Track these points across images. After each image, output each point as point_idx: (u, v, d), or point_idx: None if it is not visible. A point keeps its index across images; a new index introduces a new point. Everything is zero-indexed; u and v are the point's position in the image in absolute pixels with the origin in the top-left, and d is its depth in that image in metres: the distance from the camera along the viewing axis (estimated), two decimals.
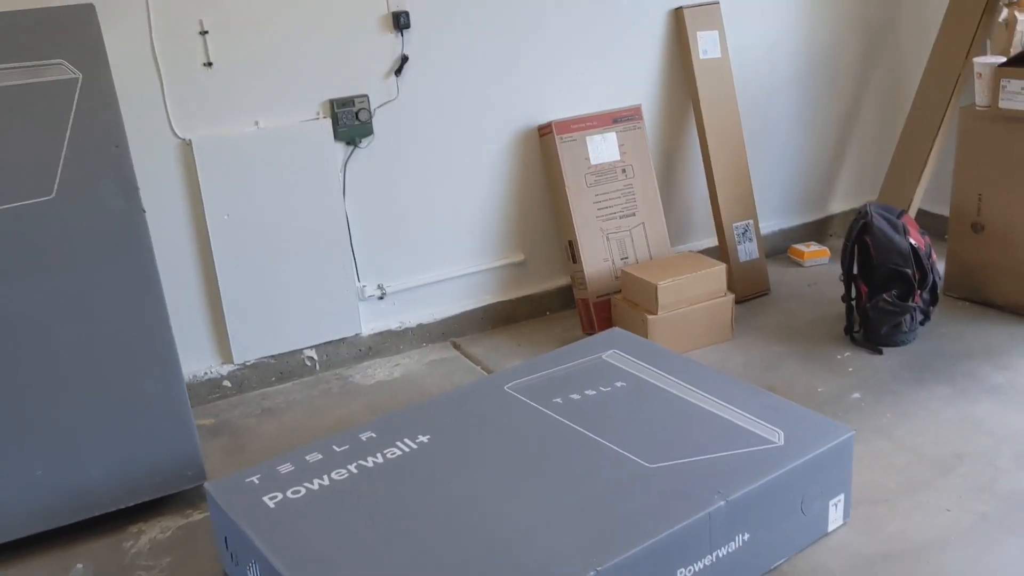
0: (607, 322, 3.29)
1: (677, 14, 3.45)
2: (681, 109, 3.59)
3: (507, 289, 3.50)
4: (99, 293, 2.39)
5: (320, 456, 2.24)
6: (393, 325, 3.32)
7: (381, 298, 3.27)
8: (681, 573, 1.93)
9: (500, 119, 3.29)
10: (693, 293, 3.13)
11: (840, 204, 4.15)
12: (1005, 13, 3.23)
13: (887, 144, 3.99)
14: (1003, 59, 3.18)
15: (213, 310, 3.00)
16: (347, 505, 2.06)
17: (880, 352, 3.07)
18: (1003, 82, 3.10)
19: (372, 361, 3.29)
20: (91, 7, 2.43)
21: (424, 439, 2.29)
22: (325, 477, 2.16)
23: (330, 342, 3.21)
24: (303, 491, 2.11)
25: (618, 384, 2.47)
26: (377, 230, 3.20)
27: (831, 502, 2.20)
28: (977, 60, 3.23)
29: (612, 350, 2.65)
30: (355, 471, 2.18)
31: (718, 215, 3.55)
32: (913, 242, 3.04)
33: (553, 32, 3.29)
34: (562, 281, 3.58)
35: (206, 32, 2.76)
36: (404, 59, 3.04)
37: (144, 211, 2.42)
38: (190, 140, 2.82)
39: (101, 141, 2.40)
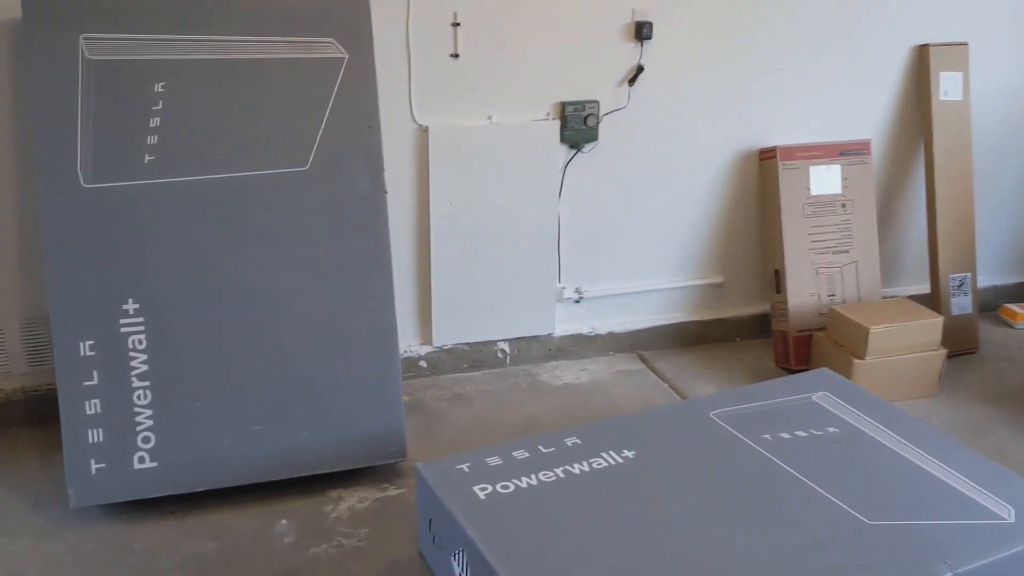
0: (805, 359, 3.20)
1: (921, 51, 3.31)
2: (910, 149, 3.45)
3: (701, 310, 3.46)
4: (335, 265, 2.49)
5: (527, 454, 2.26)
6: (585, 330, 3.33)
7: (577, 302, 3.28)
8: None
9: (722, 138, 3.25)
10: (904, 343, 3.01)
11: None
12: None
13: None
14: None
15: (421, 292, 3.09)
16: (554, 508, 2.08)
17: None
18: None
19: (559, 362, 3.32)
20: None
21: (629, 454, 2.28)
22: (533, 477, 2.18)
23: (523, 338, 3.25)
24: (512, 487, 2.14)
25: (830, 429, 2.40)
26: (584, 234, 3.21)
27: None
28: None
29: (822, 392, 2.57)
30: (562, 475, 2.19)
31: (935, 263, 3.39)
32: None
33: (788, 57, 3.21)
34: (758, 309, 3.50)
35: (458, 24, 2.83)
36: (640, 69, 3.03)
37: (386, 192, 2.52)
38: (427, 127, 2.90)
39: (357, 121, 2.50)
